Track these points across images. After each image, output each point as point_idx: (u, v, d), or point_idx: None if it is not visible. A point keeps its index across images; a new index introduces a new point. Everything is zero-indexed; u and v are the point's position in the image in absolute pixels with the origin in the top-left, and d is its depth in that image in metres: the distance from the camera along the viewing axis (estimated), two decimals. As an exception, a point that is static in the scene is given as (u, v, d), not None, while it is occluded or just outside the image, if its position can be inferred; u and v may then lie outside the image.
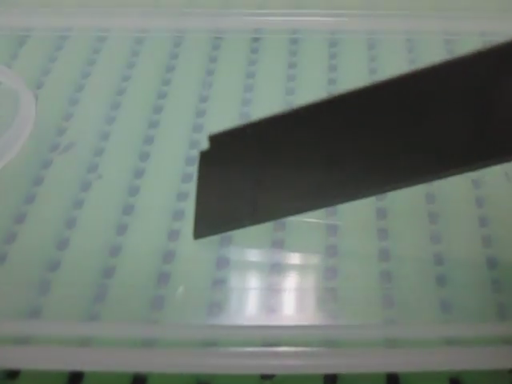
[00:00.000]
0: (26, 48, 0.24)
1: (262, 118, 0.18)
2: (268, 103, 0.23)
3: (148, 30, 0.25)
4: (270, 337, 0.16)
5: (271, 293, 0.17)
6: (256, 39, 0.25)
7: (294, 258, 0.18)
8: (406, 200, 0.20)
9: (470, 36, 0.25)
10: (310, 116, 0.17)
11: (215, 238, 0.18)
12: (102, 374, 0.15)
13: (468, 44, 0.25)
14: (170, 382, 0.15)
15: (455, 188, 0.20)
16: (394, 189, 0.16)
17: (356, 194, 0.16)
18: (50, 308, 0.17)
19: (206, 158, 0.19)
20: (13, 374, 0.16)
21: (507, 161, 0.15)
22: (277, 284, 0.17)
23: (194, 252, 0.18)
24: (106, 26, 0.25)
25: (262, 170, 0.18)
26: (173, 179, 0.20)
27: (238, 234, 0.18)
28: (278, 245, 0.18)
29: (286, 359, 0.15)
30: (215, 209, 0.18)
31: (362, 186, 0.16)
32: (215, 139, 0.18)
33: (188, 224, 0.19)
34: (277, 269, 0.18)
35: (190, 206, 0.19)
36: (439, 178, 0.16)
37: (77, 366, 0.15)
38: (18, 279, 0.17)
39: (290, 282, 0.18)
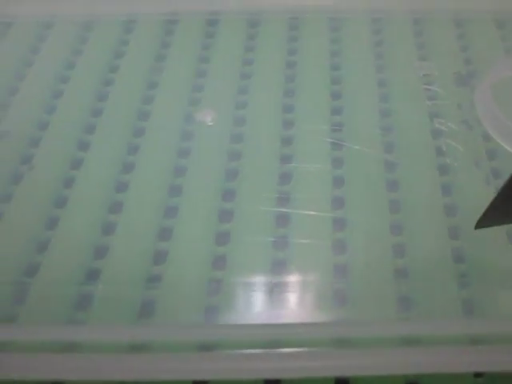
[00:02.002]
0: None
1: None
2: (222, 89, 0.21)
3: (96, 14, 0.23)
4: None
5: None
6: (212, 21, 0.23)
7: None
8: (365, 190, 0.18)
9: (440, 15, 0.24)
10: None
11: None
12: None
13: (438, 24, 0.24)
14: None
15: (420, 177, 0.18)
16: None
17: None
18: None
19: None
20: None
21: None
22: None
23: (131, 247, 0.17)
24: (53, 12, 0.23)
25: None
26: (113, 170, 0.19)
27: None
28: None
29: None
30: None
31: None
32: None
33: (125, 218, 0.17)
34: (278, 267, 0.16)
35: (128, 198, 0.18)
36: None
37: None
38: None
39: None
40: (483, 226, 0.16)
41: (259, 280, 0.16)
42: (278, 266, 0.16)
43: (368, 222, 0.17)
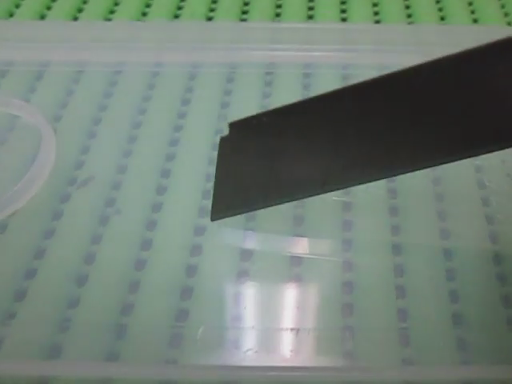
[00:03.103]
0: (43, 82, 0.25)
1: (277, 107, 0.19)
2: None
3: (163, 64, 0.25)
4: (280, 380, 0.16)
5: (281, 332, 0.17)
6: (269, 73, 0.25)
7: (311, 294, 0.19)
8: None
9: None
10: (319, 106, 0.19)
11: (233, 276, 0.19)
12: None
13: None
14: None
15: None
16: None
17: (360, 178, 0.18)
18: (69, 346, 0.17)
19: (225, 144, 0.20)
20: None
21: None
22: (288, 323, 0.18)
23: (213, 288, 0.19)
24: (122, 59, 0.25)
25: (275, 155, 0.19)
26: (190, 213, 0.20)
27: (253, 269, 0.19)
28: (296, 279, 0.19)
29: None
30: (232, 191, 0.19)
31: (364, 171, 0.18)
32: (235, 126, 0.20)
33: (205, 260, 0.19)
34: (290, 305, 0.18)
35: (207, 241, 0.20)
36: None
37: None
38: (36, 316, 0.18)
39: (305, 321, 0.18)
40: (218, 218, 0.19)
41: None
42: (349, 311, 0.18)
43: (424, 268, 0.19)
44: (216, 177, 0.20)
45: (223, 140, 0.20)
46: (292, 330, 0.17)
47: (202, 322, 0.17)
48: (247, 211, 0.19)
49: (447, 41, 0.26)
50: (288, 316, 0.18)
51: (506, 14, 0.29)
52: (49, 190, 0.21)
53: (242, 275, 0.19)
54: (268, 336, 0.17)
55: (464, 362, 0.17)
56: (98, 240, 0.19)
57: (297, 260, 0.19)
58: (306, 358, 0.17)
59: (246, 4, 0.29)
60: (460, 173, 0.22)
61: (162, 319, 0.17)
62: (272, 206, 0.19)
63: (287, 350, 0.17)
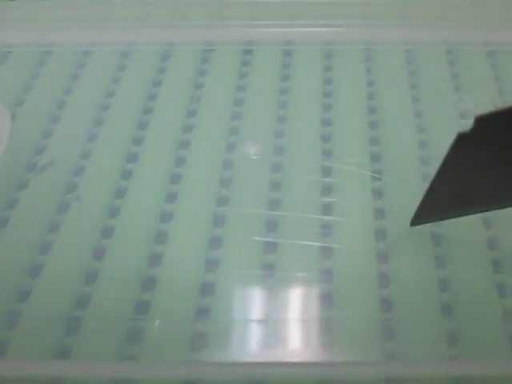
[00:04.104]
0: (6, 65, 0.23)
1: None
2: (259, 117, 0.22)
3: (135, 43, 0.24)
4: (257, 374, 0.14)
5: (258, 325, 0.16)
6: (247, 51, 0.24)
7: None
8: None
9: (472, 46, 0.24)
10: None
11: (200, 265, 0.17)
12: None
13: (471, 55, 0.24)
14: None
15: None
16: None
17: None
18: (16, 343, 0.15)
19: (463, 140, 0.16)
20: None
21: None
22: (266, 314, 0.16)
23: (178, 278, 0.17)
24: (91, 40, 0.24)
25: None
26: (156, 199, 0.19)
27: (226, 259, 0.17)
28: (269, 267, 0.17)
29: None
30: (449, 194, 0.17)
31: None
32: (481, 121, 0.16)
33: (171, 247, 0.18)
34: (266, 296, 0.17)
35: (173, 228, 0.18)
36: None
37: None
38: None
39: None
40: (418, 224, 0.18)
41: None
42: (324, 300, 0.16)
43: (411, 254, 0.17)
44: (436, 176, 0.17)
45: (461, 136, 0.16)
46: (260, 321, 0.16)
47: (163, 315, 0.16)
48: (456, 216, 0.17)
49: (436, 14, 0.25)
50: (258, 307, 0.16)
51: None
52: (2, 177, 0.19)
53: (211, 264, 0.17)
54: (234, 329, 0.15)
55: (453, 357, 0.15)
56: (56, 228, 0.18)
57: (272, 246, 0.18)
58: (277, 353, 0.15)
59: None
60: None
61: (120, 312, 0.16)
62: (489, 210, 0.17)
63: (254, 344, 0.15)
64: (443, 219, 0.18)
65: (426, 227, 0.18)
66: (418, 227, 0.18)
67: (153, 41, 0.24)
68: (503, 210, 0.18)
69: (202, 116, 0.21)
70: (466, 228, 0.18)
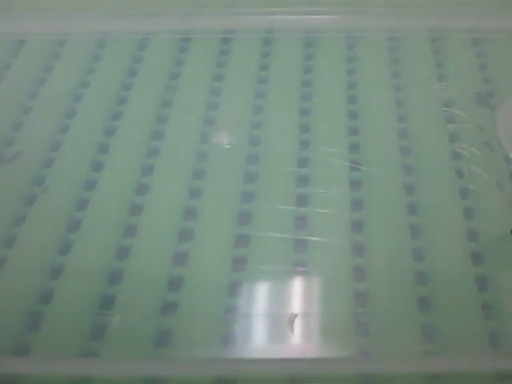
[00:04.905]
0: (-22, 54, 0.23)
1: None
2: (235, 108, 0.21)
3: (110, 32, 0.23)
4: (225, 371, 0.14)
5: (226, 320, 0.15)
6: (226, 40, 0.23)
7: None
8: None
9: (457, 33, 0.23)
10: None
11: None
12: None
13: (455, 42, 0.23)
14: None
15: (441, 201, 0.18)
16: None
17: None
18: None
19: None
20: None
21: None
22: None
23: (145, 272, 0.16)
24: (66, 30, 0.23)
25: None
26: (127, 190, 0.18)
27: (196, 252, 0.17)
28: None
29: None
30: None
31: None
32: None
33: (140, 241, 0.17)
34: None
35: (143, 221, 0.17)
36: None
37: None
38: None
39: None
40: None
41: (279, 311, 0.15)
42: (296, 296, 0.16)
43: (387, 247, 0.17)
44: None
45: None
46: (229, 316, 0.15)
47: (128, 310, 0.15)
48: None
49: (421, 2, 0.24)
50: (227, 302, 0.16)
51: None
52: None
53: (180, 258, 0.17)
54: (200, 324, 0.15)
55: (429, 353, 0.15)
56: (21, 221, 0.17)
57: (244, 239, 0.17)
58: (244, 348, 0.14)
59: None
60: (431, 142, 0.19)
61: (84, 307, 0.15)
62: None
63: (221, 340, 0.14)
64: None
65: (403, 218, 0.17)
66: (393, 218, 0.17)
67: (129, 30, 0.23)
68: (484, 203, 0.18)
69: (178, 106, 0.21)
70: (445, 220, 0.17)
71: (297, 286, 0.16)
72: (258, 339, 0.14)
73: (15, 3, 0.24)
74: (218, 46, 0.23)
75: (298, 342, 0.14)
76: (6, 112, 0.21)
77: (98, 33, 0.23)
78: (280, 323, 0.15)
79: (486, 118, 0.20)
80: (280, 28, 0.23)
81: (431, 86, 0.21)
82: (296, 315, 0.15)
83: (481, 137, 0.20)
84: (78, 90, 0.21)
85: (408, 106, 0.21)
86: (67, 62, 0.22)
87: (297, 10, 0.24)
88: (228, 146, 0.19)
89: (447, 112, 0.20)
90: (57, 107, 0.21)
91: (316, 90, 0.21)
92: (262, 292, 0.16)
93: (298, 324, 0.15)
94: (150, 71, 0.22)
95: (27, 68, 0.22)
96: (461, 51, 0.23)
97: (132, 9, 0.24)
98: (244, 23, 0.23)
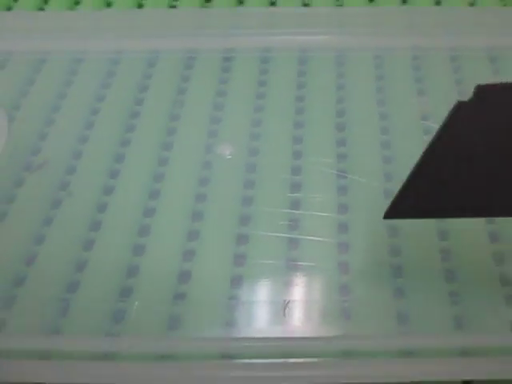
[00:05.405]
0: (5, 72, 0.25)
1: None
2: (236, 121, 0.23)
3: (123, 51, 0.26)
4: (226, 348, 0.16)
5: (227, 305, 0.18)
6: (227, 58, 0.26)
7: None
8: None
9: (437, 52, 0.26)
10: None
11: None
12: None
13: (435, 60, 0.26)
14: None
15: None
16: None
17: None
18: (13, 321, 0.17)
19: (460, 114, 0.14)
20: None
21: None
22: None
23: (159, 265, 0.19)
24: (83, 48, 0.26)
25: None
26: (141, 196, 0.21)
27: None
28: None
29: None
30: (432, 187, 0.15)
31: None
32: (484, 92, 0.13)
33: (153, 239, 0.20)
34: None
35: (155, 223, 0.20)
36: None
37: (38, 379, 0.16)
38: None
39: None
40: (391, 218, 0.16)
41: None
42: (289, 286, 0.18)
43: (368, 245, 0.19)
44: (420, 162, 0.15)
45: (461, 107, 0.14)
46: (230, 302, 0.18)
47: (143, 298, 0.18)
48: (438, 217, 0.17)
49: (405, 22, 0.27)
50: (229, 290, 0.18)
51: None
52: (0, 175, 0.21)
53: (188, 254, 0.19)
54: (205, 310, 0.17)
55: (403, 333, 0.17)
56: (49, 222, 0.20)
57: (244, 238, 0.20)
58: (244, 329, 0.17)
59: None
60: (410, 152, 0.22)
61: (106, 295, 0.18)
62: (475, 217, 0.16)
63: (225, 322, 0.17)
64: (425, 217, 0.16)
65: (383, 219, 0.20)
66: (374, 220, 0.20)
67: (140, 49, 0.26)
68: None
69: (185, 120, 0.23)
70: (418, 220, 0.20)
71: (290, 277, 0.19)
72: (256, 322, 0.17)
73: (38, 25, 0.26)
74: (221, 63, 0.25)
75: (291, 324, 0.17)
76: (33, 124, 0.23)
77: (112, 52, 0.26)
78: (275, 309, 0.17)
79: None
80: (276, 47, 0.26)
81: (412, 100, 0.24)
82: (289, 301, 0.17)
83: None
84: (96, 104, 0.24)
85: (390, 118, 0.23)
86: (85, 78, 0.25)
87: (292, 31, 0.26)
88: (229, 157, 0.22)
89: (425, 124, 0.23)
90: (77, 119, 0.23)
91: (308, 104, 0.24)
92: (259, 283, 0.18)
93: (290, 309, 0.17)
94: (160, 87, 0.25)
95: (49, 83, 0.25)
96: (439, 68, 0.25)
97: (142, 30, 0.26)
98: (243, 43, 0.26)
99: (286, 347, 0.16)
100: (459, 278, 0.18)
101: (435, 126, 0.22)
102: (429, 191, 0.15)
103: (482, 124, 0.14)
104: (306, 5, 0.28)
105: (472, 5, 0.28)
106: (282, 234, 0.20)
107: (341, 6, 0.28)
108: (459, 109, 0.14)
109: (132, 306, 0.17)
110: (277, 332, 0.17)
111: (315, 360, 0.16)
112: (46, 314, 0.17)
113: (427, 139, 0.22)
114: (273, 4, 0.28)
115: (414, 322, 0.17)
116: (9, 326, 0.17)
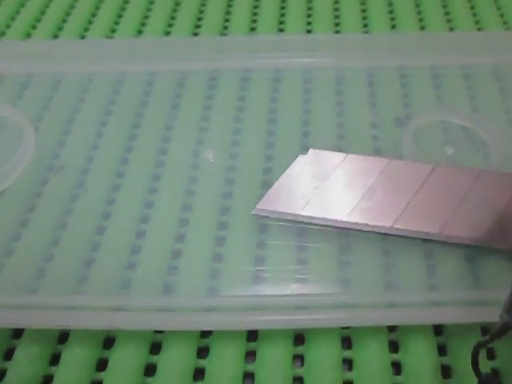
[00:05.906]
0: (28, 90, 0.30)
1: None
2: (220, 130, 0.28)
3: (126, 73, 0.31)
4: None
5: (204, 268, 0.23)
6: (213, 78, 0.31)
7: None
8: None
9: (387, 71, 0.31)
10: None
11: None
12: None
13: (386, 77, 0.30)
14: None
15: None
16: None
17: None
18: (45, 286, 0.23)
19: None
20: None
21: None
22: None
23: (156, 245, 0.24)
24: (92, 70, 0.31)
25: None
26: (142, 192, 0.26)
27: (190, 232, 0.24)
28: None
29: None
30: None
31: None
32: None
33: (152, 226, 0.25)
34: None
35: (154, 213, 0.25)
36: None
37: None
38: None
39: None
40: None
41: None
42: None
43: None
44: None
45: None
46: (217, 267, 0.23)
47: (144, 269, 0.23)
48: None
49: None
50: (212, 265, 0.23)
51: (477, 22, 0.34)
52: (30, 175, 0.26)
53: (179, 238, 0.24)
54: (193, 280, 0.22)
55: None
56: (69, 212, 0.25)
57: (224, 226, 0.24)
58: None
59: (227, 20, 0.35)
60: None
61: (117, 267, 0.23)
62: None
63: (205, 289, 0.22)
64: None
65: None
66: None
67: (140, 71, 0.31)
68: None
69: (178, 130, 0.28)
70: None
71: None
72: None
73: (54, 50, 0.31)
74: (207, 82, 0.30)
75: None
76: (53, 134, 0.28)
77: (117, 73, 0.31)
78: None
79: (401, 136, 0.27)
80: (254, 69, 0.31)
81: (365, 112, 0.29)
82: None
83: (396, 151, 0.27)
84: (104, 117, 0.29)
85: (346, 127, 0.28)
86: (95, 96, 0.30)
87: (268, 55, 0.31)
88: (213, 160, 0.27)
89: (374, 133, 0.28)
90: (89, 130, 0.29)
91: (279, 116, 0.29)
92: (235, 258, 0.23)
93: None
94: (157, 102, 0.30)
95: (65, 100, 0.30)
96: (389, 84, 0.30)
97: (142, 55, 0.31)
98: (227, 65, 0.31)
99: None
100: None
101: (380, 134, 0.28)
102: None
103: None
104: (281, 30, 0.34)
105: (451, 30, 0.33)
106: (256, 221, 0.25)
107: (310, 32, 0.33)
108: None
109: (136, 275, 0.23)
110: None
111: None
112: (71, 281, 0.23)
113: (375, 143, 0.27)
114: (253, 30, 0.34)
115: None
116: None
